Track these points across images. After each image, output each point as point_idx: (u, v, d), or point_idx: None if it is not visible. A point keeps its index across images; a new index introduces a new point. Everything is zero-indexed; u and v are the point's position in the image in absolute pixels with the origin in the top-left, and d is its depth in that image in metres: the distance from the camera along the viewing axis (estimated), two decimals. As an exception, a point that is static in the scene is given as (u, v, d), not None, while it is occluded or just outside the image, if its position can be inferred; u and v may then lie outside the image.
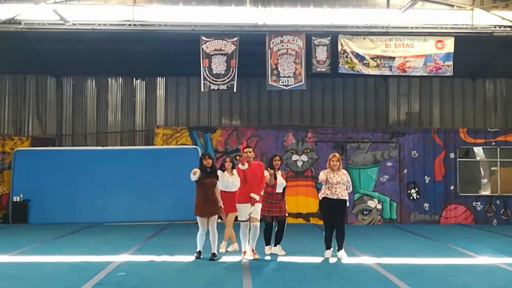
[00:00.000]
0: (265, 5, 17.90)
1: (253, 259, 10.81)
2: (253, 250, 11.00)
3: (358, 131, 19.69)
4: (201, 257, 10.81)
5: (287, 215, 11.72)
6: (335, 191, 10.78)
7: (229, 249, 11.66)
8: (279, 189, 11.44)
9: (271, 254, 11.45)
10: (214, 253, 10.81)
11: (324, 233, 11.14)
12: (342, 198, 10.84)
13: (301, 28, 17.72)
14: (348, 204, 11.18)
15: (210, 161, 10.78)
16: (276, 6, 17.98)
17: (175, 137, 19.31)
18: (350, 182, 11.08)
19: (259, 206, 10.92)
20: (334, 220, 10.85)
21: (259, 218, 10.91)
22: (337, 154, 11.18)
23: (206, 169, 10.70)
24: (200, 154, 11.05)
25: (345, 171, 11.13)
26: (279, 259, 11.02)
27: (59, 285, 8.53)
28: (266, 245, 11.56)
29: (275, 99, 21.28)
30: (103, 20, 17.48)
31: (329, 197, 10.81)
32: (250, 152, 11.06)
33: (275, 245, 11.60)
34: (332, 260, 10.78)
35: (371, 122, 21.59)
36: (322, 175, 10.91)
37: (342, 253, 10.95)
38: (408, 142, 19.38)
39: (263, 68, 17.65)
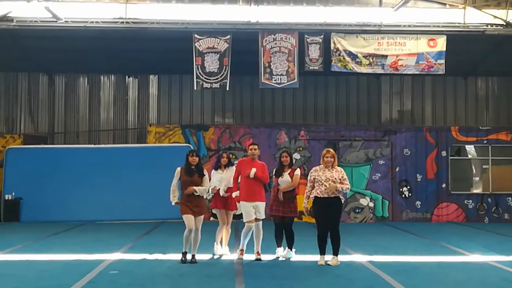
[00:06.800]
0: (258, 3, 17.90)
1: (251, 259, 10.59)
2: (258, 252, 10.68)
3: (351, 129, 19.73)
4: (186, 260, 10.23)
5: (296, 215, 11.00)
6: (326, 189, 10.00)
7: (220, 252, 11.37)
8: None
9: (283, 253, 11.03)
10: (194, 255, 10.32)
11: (317, 235, 10.29)
12: (336, 196, 10.04)
13: (293, 26, 17.73)
14: (342, 201, 10.27)
15: (197, 158, 10.29)
16: (269, 4, 17.99)
17: (168, 135, 19.30)
18: (347, 180, 10.17)
19: (262, 205, 10.64)
20: (328, 221, 10.08)
21: (261, 218, 10.65)
22: (331, 150, 10.35)
23: (190, 167, 10.27)
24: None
25: (340, 169, 10.27)
26: (271, 257, 10.97)
27: (52, 283, 8.52)
28: (278, 247, 11.15)
29: (268, 97, 21.28)
30: (96, 17, 17.44)
31: (320, 196, 10.04)
32: (255, 149, 10.82)
33: (287, 248, 11.10)
34: (321, 262, 10.19)
35: (363, 120, 21.63)
36: (308, 192, 10.22)
37: (335, 259, 10.15)
38: (400, 140, 19.44)
39: (256, 66, 17.64)
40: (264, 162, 11.15)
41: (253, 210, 10.58)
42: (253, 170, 10.59)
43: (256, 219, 10.65)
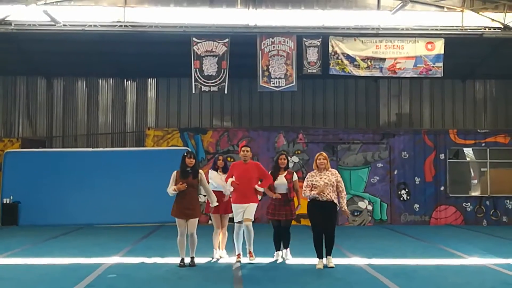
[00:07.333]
0: (256, 7, 17.93)
1: (249, 262, 10.61)
2: (250, 252, 10.76)
3: (349, 132, 19.74)
4: (184, 265, 10.17)
5: (292, 218, 11.00)
6: (324, 193, 10.05)
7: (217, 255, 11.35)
8: (279, 190, 10.88)
9: (281, 258, 11.03)
10: (193, 258, 10.26)
11: (313, 238, 10.33)
12: (331, 199, 10.05)
13: (292, 30, 17.75)
14: (338, 207, 10.34)
15: (193, 160, 10.17)
16: (267, 8, 18.02)
17: (166, 139, 19.29)
18: (342, 182, 10.27)
19: (253, 206, 10.65)
20: (325, 224, 10.10)
21: (251, 218, 10.64)
22: (323, 153, 10.43)
23: (186, 169, 10.11)
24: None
25: (334, 171, 10.37)
26: (269, 260, 10.97)
27: (50, 287, 8.53)
28: (276, 251, 11.12)
29: (266, 100, 21.30)
30: (94, 21, 17.46)
31: (317, 198, 10.07)
32: (247, 151, 10.86)
33: (283, 249, 11.14)
34: (320, 266, 10.18)
35: (361, 123, 21.65)
36: (307, 190, 10.21)
37: (330, 260, 10.24)
38: (398, 143, 19.45)
39: (254, 70, 17.65)
40: (258, 162, 11.32)
41: (242, 212, 10.62)
42: (227, 194, 10.87)
43: (246, 219, 10.61)
